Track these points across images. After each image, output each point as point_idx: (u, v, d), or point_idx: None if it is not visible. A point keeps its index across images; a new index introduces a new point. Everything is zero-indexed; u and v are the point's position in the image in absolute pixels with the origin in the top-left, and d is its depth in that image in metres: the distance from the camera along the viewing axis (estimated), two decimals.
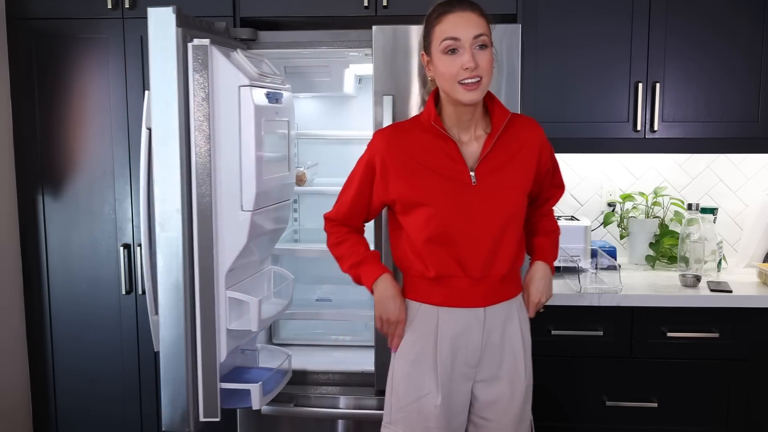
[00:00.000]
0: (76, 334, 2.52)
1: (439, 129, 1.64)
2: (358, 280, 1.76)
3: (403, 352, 1.72)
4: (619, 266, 2.43)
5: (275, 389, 2.14)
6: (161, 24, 1.81)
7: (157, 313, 1.94)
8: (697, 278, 2.38)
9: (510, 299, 1.72)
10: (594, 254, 2.56)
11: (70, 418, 2.57)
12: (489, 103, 1.70)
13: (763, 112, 2.46)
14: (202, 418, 1.94)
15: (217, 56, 1.86)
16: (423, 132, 1.67)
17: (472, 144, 1.67)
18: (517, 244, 1.69)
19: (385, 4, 2.31)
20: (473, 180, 1.63)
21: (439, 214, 1.62)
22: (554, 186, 1.84)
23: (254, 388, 1.99)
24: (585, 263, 2.50)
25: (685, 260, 2.53)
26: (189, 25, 1.85)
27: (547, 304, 2.31)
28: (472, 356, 1.68)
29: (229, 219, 1.91)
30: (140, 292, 2.48)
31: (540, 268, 1.80)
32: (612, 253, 2.67)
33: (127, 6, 2.37)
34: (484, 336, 1.67)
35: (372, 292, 1.73)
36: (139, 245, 2.47)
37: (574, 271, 2.43)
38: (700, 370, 2.32)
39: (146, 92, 1.89)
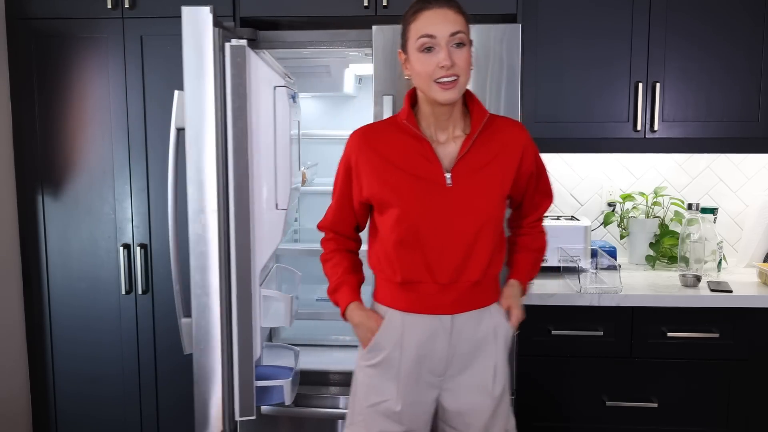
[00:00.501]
0: (75, 334, 2.52)
1: (412, 128, 1.59)
2: (337, 306, 1.73)
3: (367, 357, 1.68)
4: (619, 266, 2.43)
5: (295, 386, 2.17)
6: (197, 24, 1.80)
7: (185, 315, 1.93)
8: (697, 278, 2.38)
9: (483, 308, 1.65)
10: (594, 254, 2.56)
11: (70, 419, 2.57)
12: (469, 103, 1.65)
13: (763, 112, 2.46)
14: (237, 418, 1.94)
15: (253, 57, 1.86)
16: (397, 131, 1.62)
17: (449, 144, 1.62)
18: (492, 250, 1.62)
19: (385, 4, 2.31)
20: (448, 181, 1.58)
21: (410, 216, 1.57)
22: (540, 192, 1.75)
23: (287, 384, 2.02)
24: (585, 263, 2.50)
25: (685, 260, 2.53)
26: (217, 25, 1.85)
27: (553, 303, 2.32)
28: (438, 365, 1.64)
29: (265, 218, 1.92)
30: (140, 292, 2.48)
31: (515, 286, 1.74)
32: (612, 253, 2.67)
33: (126, 6, 2.37)
34: (450, 344, 1.62)
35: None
36: (139, 245, 2.47)
37: (574, 271, 2.43)
38: (700, 370, 2.32)
39: (176, 92, 1.89)
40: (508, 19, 2.30)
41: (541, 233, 1.81)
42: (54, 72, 2.43)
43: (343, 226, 1.75)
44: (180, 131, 1.87)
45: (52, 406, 2.57)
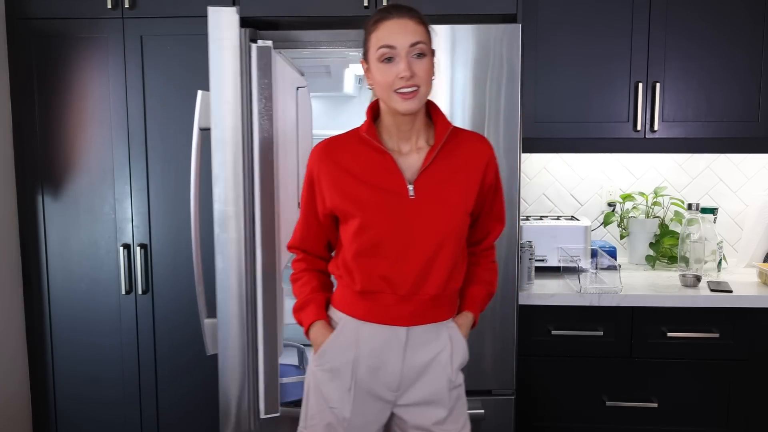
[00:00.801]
0: (75, 334, 2.52)
1: (373, 141, 1.58)
2: (301, 325, 1.71)
3: (320, 363, 1.65)
4: (619, 266, 2.43)
5: None
6: (223, 24, 1.81)
7: (209, 315, 1.93)
8: (697, 278, 2.38)
9: (440, 322, 1.63)
10: (594, 254, 2.56)
11: (71, 421, 2.57)
12: (433, 114, 1.64)
13: (763, 112, 2.46)
14: (263, 415, 1.95)
15: (277, 58, 1.86)
16: (359, 144, 1.61)
17: (412, 155, 1.61)
18: (453, 264, 1.60)
19: (385, 3, 2.31)
20: (411, 193, 1.57)
21: (370, 226, 1.56)
22: (494, 215, 1.71)
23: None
24: (585, 263, 2.50)
25: (685, 260, 2.53)
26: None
27: (553, 303, 2.31)
28: (392, 378, 1.61)
29: (288, 217, 1.92)
30: (140, 292, 2.48)
31: (468, 317, 1.71)
32: (612, 253, 2.67)
33: (127, 6, 2.37)
34: (404, 357, 1.60)
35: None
36: (139, 245, 2.47)
37: (574, 271, 2.43)
38: (700, 370, 2.32)
39: (199, 92, 1.89)
40: (508, 19, 2.30)
41: (493, 264, 1.77)
42: (54, 72, 2.43)
43: (312, 243, 1.72)
44: (203, 131, 1.87)
45: (52, 407, 2.57)
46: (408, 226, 1.56)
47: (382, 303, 1.59)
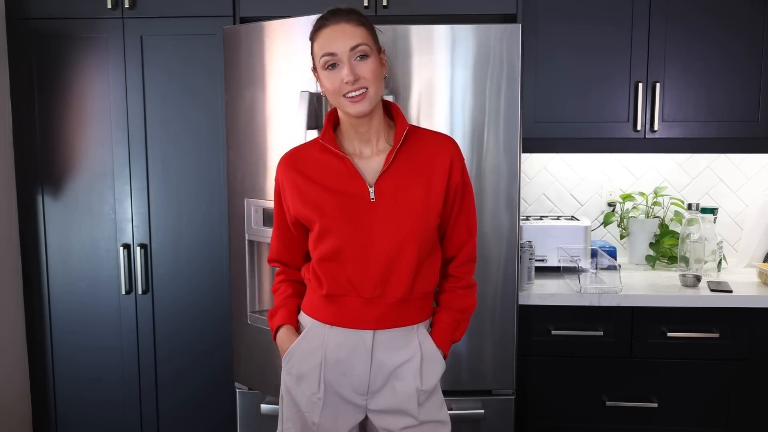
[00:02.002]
0: (76, 334, 2.52)
1: (330, 146, 1.59)
2: (271, 331, 1.72)
3: (287, 367, 1.66)
4: (619, 266, 2.43)
5: None
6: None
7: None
8: (697, 278, 2.38)
9: (409, 326, 1.61)
10: (594, 254, 2.56)
11: (71, 421, 2.57)
12: (394, 115, 1.64)
13: (763, 112, 2.46)
14: None
15: None
16: (321, 151, 1.62)
17: (373, 159, 1.61)
18: (417, 265, 1.58)
19: (385, 4, 2.31)
20: (372, 196, 1.57)
21: (330, 231, 1.57)
22: (462, 223, 1.66)
23: None
24: (585, 263, 2.50)
25: (685, 260, 2.53)
26: None
27: (553, 303, 2.30)
28: (359, 381, 1.60)
29: None
30: (140, 292, 2.48)
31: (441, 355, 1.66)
32: (612, 253, 2.67)
33: (127, 6, 2.37)
34: (372, 361, 1.59)
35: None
36: (139, 245, 2.47)
37: (574, 271, 2.43)
38: (700, 370, 2.32)
39: (300, 92, 1.92)
40: (509, 19, 2.31)
41: (467, 290, 1.70)
42: (54, 72, 2.43)
43: (289, 255, 1.72)
44: (309, 131, 1.94)
45: (52, 407, 2.57)
46: (368, 229, 1.56)
47: (348, 306, 1.59)
